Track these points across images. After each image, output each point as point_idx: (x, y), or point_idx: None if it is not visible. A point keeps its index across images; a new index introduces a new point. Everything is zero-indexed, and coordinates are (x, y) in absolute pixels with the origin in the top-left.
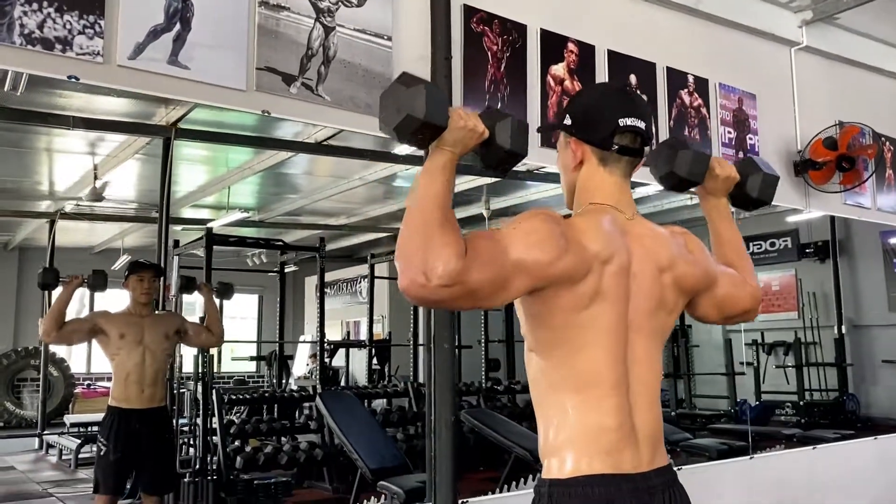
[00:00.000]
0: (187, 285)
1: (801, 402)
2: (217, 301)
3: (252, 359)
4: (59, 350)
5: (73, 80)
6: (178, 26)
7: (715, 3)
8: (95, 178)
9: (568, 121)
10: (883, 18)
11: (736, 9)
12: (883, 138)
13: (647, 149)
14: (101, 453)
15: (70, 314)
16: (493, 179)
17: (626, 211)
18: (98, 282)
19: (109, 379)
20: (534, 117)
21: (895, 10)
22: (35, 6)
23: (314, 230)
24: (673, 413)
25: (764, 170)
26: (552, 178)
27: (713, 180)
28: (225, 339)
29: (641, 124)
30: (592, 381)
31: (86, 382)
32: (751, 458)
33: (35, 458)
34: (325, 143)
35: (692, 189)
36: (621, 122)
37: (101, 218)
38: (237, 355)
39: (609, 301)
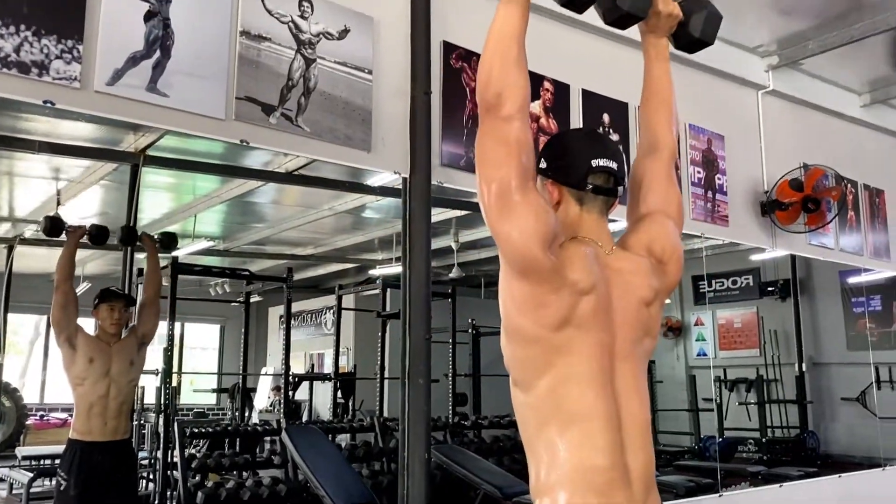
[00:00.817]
0: (129, 236)
1: (764, 439)
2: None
3: (214, 391)
4: (11, 379)
5: (49, 104)
6: (158, 53)
7: None
8: (58, 203)
9: (544, 164)
10: (844, 65)
11: (706, 53)
12: (845, 181)
13: (620, 189)
14: (61, 488)
15: (25, 343)
16: (463, 213)
17: (605, 246)
18: (100, 234)
19: (64, 410)
20: None
21: (856, 58)
22: (12, 29)
23: (280, 260)
24: None
25: (708, 8)
26: None
27: (656, 17)
28: (185, 370)
29: (613, 164)
30: (580, 415)
31: (39, 413)
32: (720, 495)
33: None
34: (296, 172)
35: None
36: (594, 163)
37: (60, 244)
38: (198, 387)
39: (585, 330)
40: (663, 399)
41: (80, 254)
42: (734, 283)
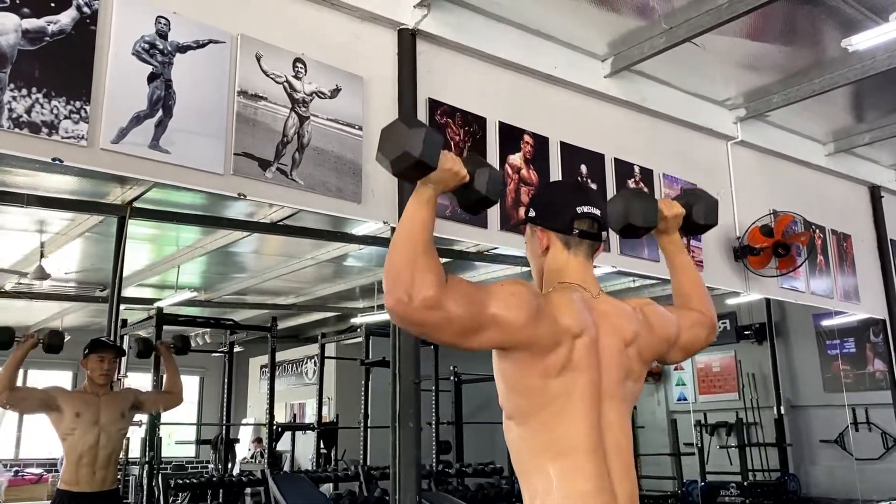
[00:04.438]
0: (145, 349)
1: (745, 483)
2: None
3: (197, 442)
4: None
5: (58, 162)
6: (160, 112)
7: (658, 100)
8: (42, 256)
9: (532, 213)
10: (809, 117)
11: (677, 106)
12: (813, 226)
13: (603, 234)
14: None
15: None
16: (445, 260)
17: (591, 290)
18: (54, 342)
19: (39, 465)
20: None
21: (819, 110)
22: (24, 91)
23: (261, 310)
24: None
25: (704, 198)
26: (501, 259)
27: (664, 221)
28: (164, 421)
29: (597, 211)
30: (571, 447)
31: (13, 469)
32: None
33: None
34: (280, 223)
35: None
36: (579, 209)
37: (42, 297)
38: (179, 439)
39: (580, 371)
40: (645, 444)
41: (60, 305)
42: None
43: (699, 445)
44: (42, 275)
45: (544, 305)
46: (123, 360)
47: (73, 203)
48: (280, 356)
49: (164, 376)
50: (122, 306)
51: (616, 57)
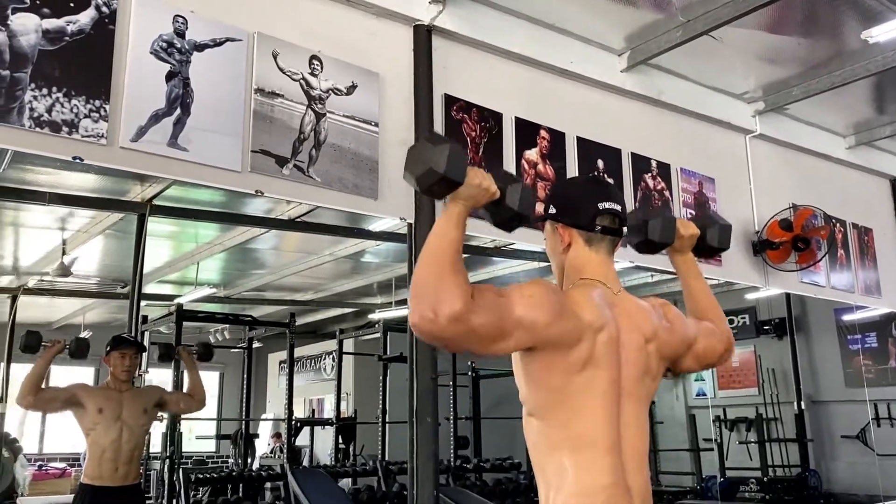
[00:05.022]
0: (167, 353)
1: (765, 479)
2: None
3: (217, 437)
4: (11, 430)
5: (78, 160)
6: (178, 111)
7: (676, 94)
8: (64, 253)
9: (553, 210)
10: (829, 109)
11: (695, 100)
12: (834, 220)
13: (624, 229)
14: None
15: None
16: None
17: (612, 286)
18: (80, 348)
19: (63, 460)
20: None
21: (839, 102)
22: (45, 91)
23: (280, 306)
24: None
25: (719, 221)
26: (519, 254)
27: (679, 240)
28: (184, 416)
29: (618, 206)
30: (589, 442)
31: (38, 463)
32: None
33: None
34: (298, 219)
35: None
36: (601, 205)
37: (65, 294)
38: (199, 434)
39: (601, 367)
40: (664, 439)
41: (82, 302)
42: (731, 322)
43: (718, 441)
44: (64, 272)
45: (566, 302)
46: (144, 356)
47: (93, 201)
48: (298, 352)
49: (186, 378)
50: (142, 303)
51: (633, 51)
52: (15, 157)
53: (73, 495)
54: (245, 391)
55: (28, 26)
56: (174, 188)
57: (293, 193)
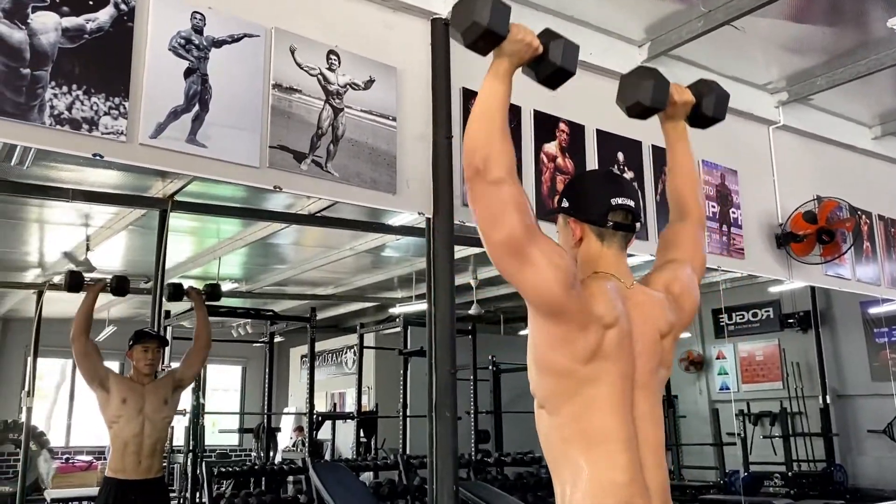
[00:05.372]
0: (175, 293)
1: (790, 473)
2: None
3: (240, 431)
4: (38, 423)
5: (98, 157)
6: (196, 107)
7: None
8: (88, 249)
9: (566, 204)
10: (854, 99)
11: None
12: (859, 212)
13: (637, 225)
14: None
15: (51, 387)
16: (480, 250)
17: (625, 280)
18: (121, 286)
19: (89, 453)
20: (528, 192)
21: (865, 92)
22: (65, 89)
23: (301, 300)
24: None
25: (716, 90)
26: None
27: (672, 106)
28: (207, 410)
29: (631, 203)
30: (603, 437)
31: (64, 456)
32: None
33: None
34: (318, 214)
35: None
36: (613, 201)
37: (118, 295)
38: (221, 427)
39: (611, 361)
40: (687, 433)
41: (106, 297)
42: (755, 315)
43: (742, 435)
44: (89, 267)
45: (579, 285)
46: (167, 350)
47: (116, 197)
48: (320, 346)
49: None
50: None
51: (653, 42)
52: (38, 154)
53: (98, 488)
54: (267, 385)
55: (48, 25)
56: (195, 184)
57: (311, 189)
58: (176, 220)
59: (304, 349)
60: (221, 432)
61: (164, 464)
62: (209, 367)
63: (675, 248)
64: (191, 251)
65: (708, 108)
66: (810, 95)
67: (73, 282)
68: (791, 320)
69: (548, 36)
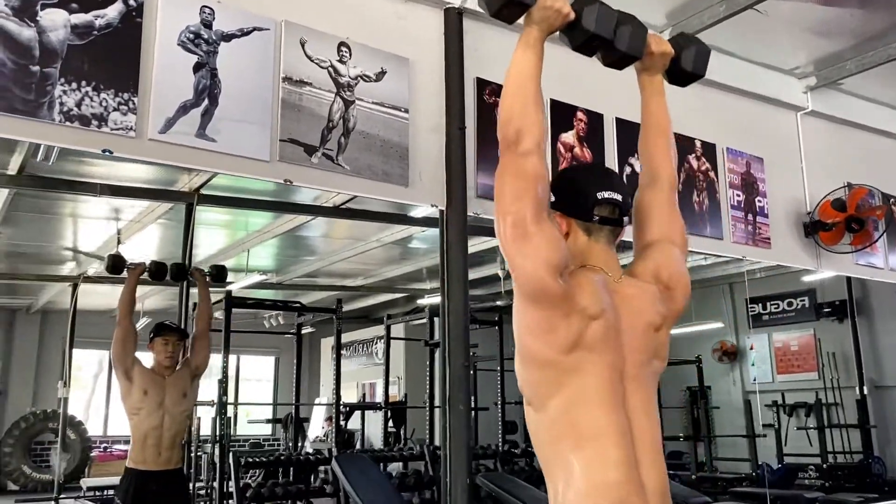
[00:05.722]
0: (180, 272)
1: (825, 465)
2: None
3: (268, 421)
4: (76, 412)
5: (108, 153)
6: (206, 102)
7: (720, 71)
8: (119, 242)
9: (553, 198)
10: (886, 83)
11: (742, 77)
12: (892, 199)
13: (626, 219)
14: None
15: (89, 377)
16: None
17: (613, 273)
18: (159, 270)
19: (126, 442)
20: None
21: None
22: (74, 85)
23: (331, 291)
24: (693, 476)
25: (696, 44)
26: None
27: (650, 56)
28: (241, 401)
29: (618, 196)
30: (594, 433)
31: (102, 445)
32: None
33: None
34: (343, 206)
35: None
36: (599, 195)
37: (122, 281)
38: (253, 418)
39: (596, 352)
40: (720, 425)
41: (141, 289)
42: (790, 304)
43: (776, 427)
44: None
45: (569, 273)
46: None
47: (143, 191)
48: (351, 336)
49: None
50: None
51: (674, 27)
52: (63, 150)
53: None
54: (296, 376)
55: (57, 22)
56: (220, 177)
57: (322, 182)
58: (207, 213)
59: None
60: (250, 423)
61: (190, 454)
62: (242, 358)
63: (650, 221)
64: (222, 243)
65: (687, 62)
66: (840, 80)
67: (114, 265)
68: (827, 310)
69: (580, 2)
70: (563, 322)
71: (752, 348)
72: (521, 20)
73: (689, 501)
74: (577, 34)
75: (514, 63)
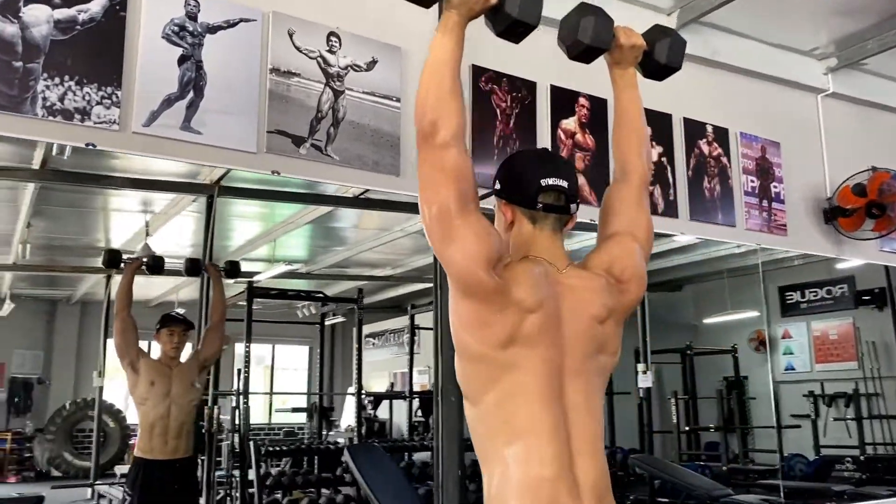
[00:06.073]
0: (193, 267)
1: (863, 457)
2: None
3: (293, 410)
4: (115, 401)
5: (91, 146)
6: (191, 94)
7: (733, 53)
8: (147, 234)
9: (498, 185)
10: None
11: (756, 59)
12: None
13: (573, 206)
14: (125, 503)
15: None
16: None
17: (558, 264)
18: (156, 265)
19: None
20: None
21: None
22: (57, 80)
23: (359, 281)
24: (724, 468)
25: (671, 35)
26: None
27: (619, 49)
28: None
29: (563, 183)
30: (527, 429)
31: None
32: None
33: None
34: (361, 196)
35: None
36: (543, 182)
37: (153, 273)
38: (286, 407)
39: (533, 347)
40: (756, 416)
41: (174, 280)
42: (828, 292)
43: (813, 417)
44: (147, 252)
45: (502, 265)
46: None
47: (163, 184)
48: (382, 326)
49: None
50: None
51: (682, 9)
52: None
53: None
54: (321, 365)
55: (40, 17)
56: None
57: (311, 173)
58: (234, 204)
59: (367, 329)
60: (277, 411)
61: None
62: (277, 347)
63: (615, 216)
64: (251, 233)
65: (661, 54)
66: (862, 60)
67: (111, 260)
68: (866, 297)
69: None
70: (498, 317)
71: (785, 336)
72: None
73: (710, 493)
74: (501, 18)
75: (431, 49)
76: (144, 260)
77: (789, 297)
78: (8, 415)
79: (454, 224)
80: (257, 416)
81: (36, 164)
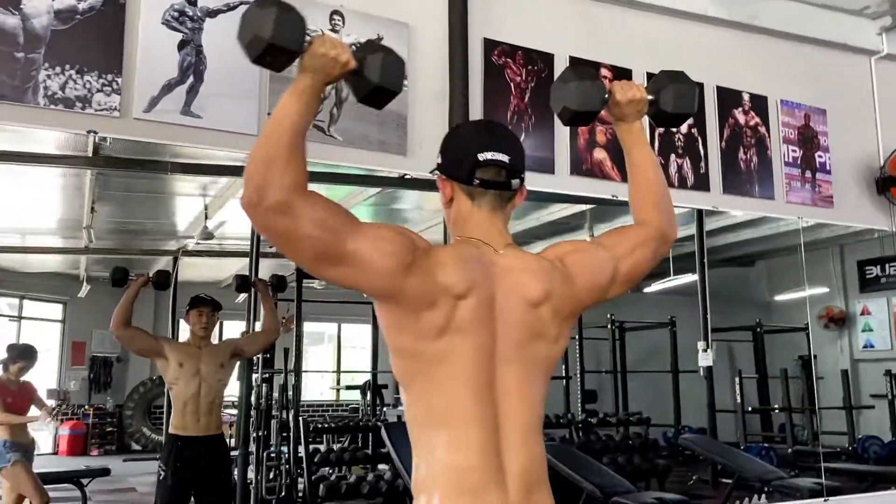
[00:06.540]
0: (243, 284)
1: None
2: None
3: (347, 388)
4: None
5: (93, 133)
6: (191, 79)
7: (775, 17)
8: (206, 217)
9: (438, 160)
10: None
11: (799, 21)
12: None
13: (515, 182)
14: (160, 478)
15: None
16: (590, 206)
17: (495, 244)
18: (161, 280)
19: (227, 407)
20: (562, 146)
21: None
22: (58, 69)
23: None
24: (790, 450)
25: (676, 81)
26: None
27: (617, 106)
28: (343, 368)
29: (504, 157)
30: (453, 416)
31: None
32: (825, 500)
33: (154, 482)
34: (406, 177)
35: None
36: (481, 156)
37: (215, 254)
38: (349, 384)
39: (464, 333)
40: (825, 396)
41: (242, 261)
42: None
43: (890, 398)
44: (207, 235)
45: (422, 260)
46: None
47: (209, 168)
48: None
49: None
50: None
51: None
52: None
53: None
54: (375, 343)
55: (40, 8)
56: None
57: (313, 154)
58: None
59: None
60: (331, 389)
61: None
62: (343, 326)
63: (606, 235)
64: None
65: (667, 104)
66: None
67: (116, 277)
68: None
69: (366, 49)
70: (427, 311)
71: (864, 312)
72: None
73: (762, 476)
74: (361, 84)
75: (275, 111)
76: (151, 278)
77: (869, 272)
78: (90, 392)
79: (343, 253)
80: (325, 394)
81: (89, 152)
